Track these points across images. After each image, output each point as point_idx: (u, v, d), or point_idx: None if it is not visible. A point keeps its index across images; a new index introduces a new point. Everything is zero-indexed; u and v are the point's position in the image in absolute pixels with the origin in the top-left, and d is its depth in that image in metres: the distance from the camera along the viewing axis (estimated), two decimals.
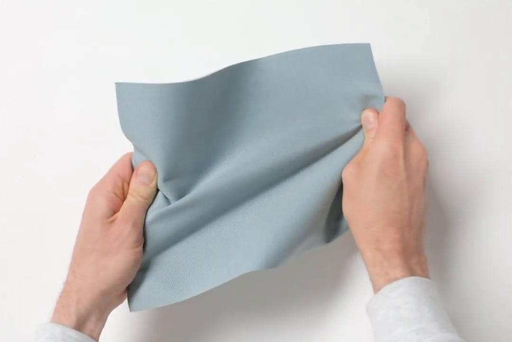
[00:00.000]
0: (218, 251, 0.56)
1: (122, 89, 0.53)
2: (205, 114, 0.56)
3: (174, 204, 0.55)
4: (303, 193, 0.56)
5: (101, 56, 0.66)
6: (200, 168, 0.57)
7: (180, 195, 0.56)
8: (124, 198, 0.55)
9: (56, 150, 0.65)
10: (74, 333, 0.51)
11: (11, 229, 0.65)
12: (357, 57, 0.55)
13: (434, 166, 0.65)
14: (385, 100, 0.55)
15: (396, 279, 0.50)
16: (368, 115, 0.56)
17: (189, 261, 0.56)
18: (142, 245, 0.54)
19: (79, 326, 0.52)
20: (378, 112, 0.55)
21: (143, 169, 0.55)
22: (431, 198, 0.64)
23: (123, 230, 0.53)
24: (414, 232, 0.53)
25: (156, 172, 0.55)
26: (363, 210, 0.53)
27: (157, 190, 0.56)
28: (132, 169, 0.56)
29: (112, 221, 0.53)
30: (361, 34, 0.67)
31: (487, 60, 0.67)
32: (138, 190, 0.55)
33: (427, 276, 0.53)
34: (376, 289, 0.52)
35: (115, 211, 0.54)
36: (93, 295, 0.52)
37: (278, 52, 0.64)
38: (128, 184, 0.55)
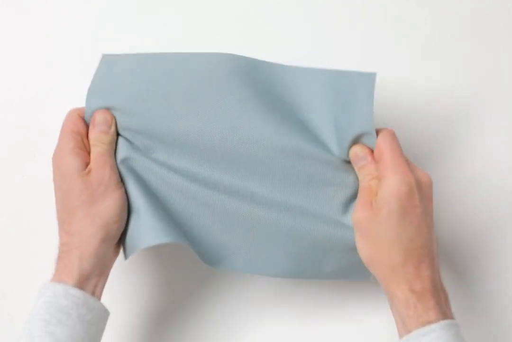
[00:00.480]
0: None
1: (106, 59, 0.56)
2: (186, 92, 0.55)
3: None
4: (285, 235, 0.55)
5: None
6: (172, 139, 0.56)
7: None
8: (88, 151, 0.55)
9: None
10: (76, 292, 0.51)
11: (11, 229, 0.65)
12: (359, 86, 0.54)
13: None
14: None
15: (429, 322, 0.49)
16: (358, 152, 0.53)
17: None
18: (123, 188, 0.55)
19: (82, 283, 0.52)
20: (369, 148, 0.53)
21: (100, 118, 0.55)
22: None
23: (103, 174, 0.54)
24: (437, 265, 0.52)
25: (113, 117, 0.55)
26: (387, 252, 0.51)
27: (117, 135, 0.56)
28: (85, 123, 0.56)
29: (88, 172, 0.54)
30: (361, 34, 0.67)
31: (487, 60, 0.67)
32: (99, 138, 0.55)
33: (452, 315, 0.52)
34: (405, 330, 0.50)
35: (86, 164, 0.54)
36: (94, 246, 0.52)
37: (278, 52, 0.65)
38: (87, 137, 0.56)
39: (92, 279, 0.53)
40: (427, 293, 0.50)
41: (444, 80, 0.66)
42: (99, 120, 0.55)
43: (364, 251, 0.53)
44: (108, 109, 0.56)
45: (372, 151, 0.53)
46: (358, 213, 0.52)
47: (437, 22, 0.67)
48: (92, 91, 0.56)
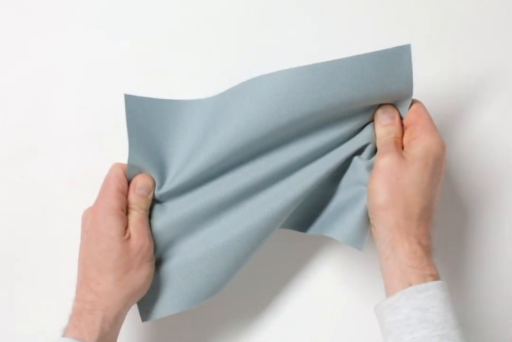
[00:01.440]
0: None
1: (131, 101, 0.56)
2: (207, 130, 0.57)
3: (178, 212, 0.56)
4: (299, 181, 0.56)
5: (101, 56, 0.66)
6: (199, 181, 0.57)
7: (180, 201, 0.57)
8: (127, 212, 0.56)
9: (56, 150, 0.65)
10: None
11: (11, 229, 0.65)
12: (395, 62, 0.54)
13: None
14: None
15: (432, 276, 0.50)
16: (390, 110, 0.56)
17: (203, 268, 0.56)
18: (154, 260, 0.56)
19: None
20: (398, 111, 0.56)
21: (142, 182, 0.56)
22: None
23: (143, 245, 0.54)
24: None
25: (154, 183, 0.56)
26: (409, 201, 0.52)
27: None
28: (127, 182, 0.56)
29: (128, 238, 0.54)
30: (361, 34, 0.67)
31: (487, 60, 0.67)
32: (139, 202, 0.56)
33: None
34: (404, 281, 0.51)
35: (126, 227, 0.55)
36: (119, 310, 0.53)
37: (279, 52, 0.65)
38: (127, 197, 0.56)
39: (107, 339, 0.53)
40: (431, 251, 0.52)
41: (444, 80, 0.66)
42: (141, 184, 0.56)
43: (382, 194, 0.53)
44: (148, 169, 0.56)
45: (400, 115, 0.56)
46: (386, 157, 0.54)
47: (437, 22, 0.67)
48: (132, 145, 0.56)
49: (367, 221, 0.55)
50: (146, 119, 0.56)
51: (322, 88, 0.53)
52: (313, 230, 0.60)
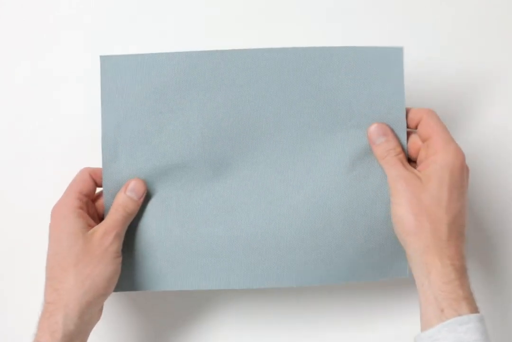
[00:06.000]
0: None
1: (106, 61, 0.55)
2: (196, 91, 0.56)
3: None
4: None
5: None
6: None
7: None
8: (89, 213, 0.56)
9: (54, 155, 0.65)
10: None
11: (12, 230, 0.65)
12: (385, 62, 0.55)
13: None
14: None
15: (466, 299, 0.49)
16: (377, 129, 0.55)
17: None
18: (121, 258, 0.55)
19: None
20: (387, 126, 0.55)
21: (134, 185, 0.56)
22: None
23: (106, 239, 0.54)
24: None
25: (145, 191, 0.56)
26: (435, 221, 0.51)
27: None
28: (94, 186, 0.57)
29: (93, 233, 0.54)
30: (364, 38, 0.67)
31: (493, 60, 0.67)
32: (126, 204, 0.55)
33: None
34: (438, 308, 0.50)
35: (89, 224, 0.55)
36: (81, 307, 0.52)
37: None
38: (91, 200, 0.57)
39: (73, 340, 0.52)
40: (465, 273, 0.51)
41: (449, 83, 0.66)
42: (132, 187, 0.56)
43: (407, 219, 0.52)
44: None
45: (391, 128, 0.55)
46: (401, 181, 0.53)
47: (448, 26, 0.67)
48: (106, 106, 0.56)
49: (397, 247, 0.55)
50: (126, 79, 0.55)
51: (313, 72, 0.55)
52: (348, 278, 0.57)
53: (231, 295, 0.65)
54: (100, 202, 0.57)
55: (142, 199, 0.56)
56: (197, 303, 0.65)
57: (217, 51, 0.55)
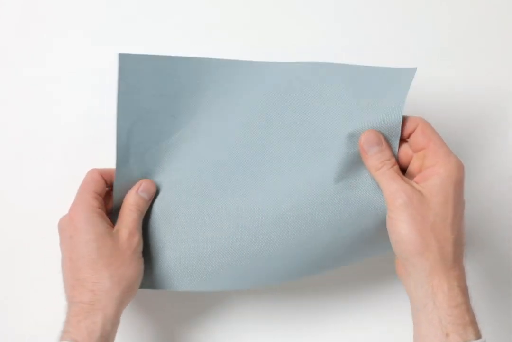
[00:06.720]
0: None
1: (125, 60, 0.54)
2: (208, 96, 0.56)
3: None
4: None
5: (103, 60, 0.65)
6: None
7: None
8: (106, 212, 0.56)
9: (55, 155, 0.65)
10: None
11: (12, 231, 0.64)
12: (393, 79, 0.52)
13: None
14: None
15: (472, 324, 0.47)
16: (373, 137, 0.51)
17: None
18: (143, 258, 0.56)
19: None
20: (382, 135, 0.51)
21: (146, 185, 0.57)
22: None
23: (132, 240, 0.54)
24: None
25: (155, 192, 0.57)
26: (440, 239, 0.48)
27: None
28: (106, 183, 0.57)
29: (117, 234, 0.54)
30: (368, 45, 0.67)
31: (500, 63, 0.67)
32: (139, 203, 0.56)
33: None
34: (443, 332, 0.47)
35: (109, 224, 0.55)
36: (117, 307, 0.53)
37: (282, 53, 0.64)
38: (104, 199, 0.57)
39: (108, 339, 0.52)
40: (468, 293, 0.49)
41: (448, 91, 0.66)
42: (144, 187, 0.56)
43: (412, 238, 0.48)
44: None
45: (384, 137, 0.51)
46: (401, 195, 0.49)
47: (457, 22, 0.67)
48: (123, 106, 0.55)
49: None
50: (143, 79, 0.55)
51: (319, 82, 0.54)
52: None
53: (231, 296, 0.65)
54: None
55: (151, 199, 0.57)
56: (197, 303, 0.65)
57: (234, 61, 0.56)
